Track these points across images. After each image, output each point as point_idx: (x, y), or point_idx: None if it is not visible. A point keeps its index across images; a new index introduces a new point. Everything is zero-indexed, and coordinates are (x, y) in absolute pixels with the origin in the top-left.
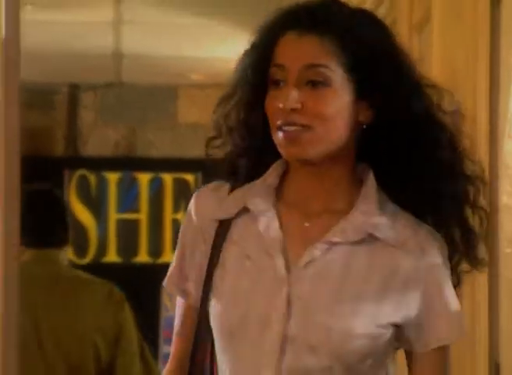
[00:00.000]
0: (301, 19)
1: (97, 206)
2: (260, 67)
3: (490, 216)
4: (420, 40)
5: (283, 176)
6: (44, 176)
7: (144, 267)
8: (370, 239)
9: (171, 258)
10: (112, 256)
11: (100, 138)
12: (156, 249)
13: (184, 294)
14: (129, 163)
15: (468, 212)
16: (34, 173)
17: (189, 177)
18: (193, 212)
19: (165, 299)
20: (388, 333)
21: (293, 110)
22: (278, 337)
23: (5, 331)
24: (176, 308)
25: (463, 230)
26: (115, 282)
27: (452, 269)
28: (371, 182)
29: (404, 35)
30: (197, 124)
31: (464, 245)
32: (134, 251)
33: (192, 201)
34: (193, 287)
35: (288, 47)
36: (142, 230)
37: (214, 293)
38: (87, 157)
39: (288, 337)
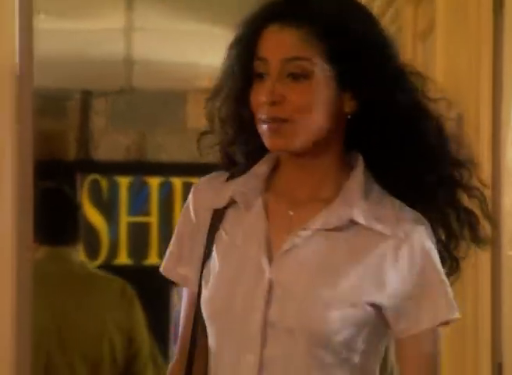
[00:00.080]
0: (283, 12)
1: (108, 209)
2: (245, 60)
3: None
4: (424, 48)
5: (276, 167)
6: (57, 180)
7: (154, 269)
8: (351, 225)
9: None
10: (123, 258)
11: (111, 143)
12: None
13: (183, 280)
14: (139, 168)
15: (464, 196)
16: (48, 176)
17: (198, 181)
18: (190, 202)
19: (175, 301)
20: (366, 314)
21: (274, 103)
22: (260, 323)
23: (19, 332)
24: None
25: (457, 212)
26: None
27: (449, 255)
28: (359, 169)
29: (409, 43)
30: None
31: (461, 227)
32: (145, 253)
33: (191, 190)
34: (193, 274)
35: (270, 40)
36: (152, 232)
37: (204, 280)
38: (98, 161)
39: (269, 322)
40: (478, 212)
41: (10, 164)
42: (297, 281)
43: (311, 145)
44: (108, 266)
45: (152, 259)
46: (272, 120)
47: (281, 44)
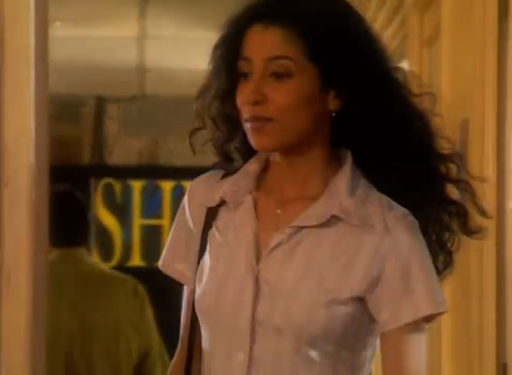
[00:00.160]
0: (267, 12)
1: (121, 213)
2: (229, 60)
3: (497, 220)
4: (430, 54)
5: (267, 165)
6: (71, 184)
7: None
8: (337, 221)
9: None
10: (136, 260)
11: (124, 148)
12: None
13: (181, 277)
14: (152, 172)
15: (453, 189)
16: (63, 181)
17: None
18: (186, 199)
19: None
20: (352, 310)
21: (257, 103)
22: (248, 321)
23: (35, 336)
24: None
25: (446, 205)
26: None
27: (442, 248)
28: (347, 166)
29: (415, 50)
30: None
31: (451, 220)
32: (157, 255)
33: (188, 188)
34: (190, 271)
35: (253, 39)
36: (165, 235)
37: (198, 278)
38: (112, 166)
39: (257, 320)
40: (470, 204)
41: (27, 169)
42: (284, 279)
43: (295, 143)
44: (121, 268)
45: None
46: (255, 119)
47: (265, 44)
